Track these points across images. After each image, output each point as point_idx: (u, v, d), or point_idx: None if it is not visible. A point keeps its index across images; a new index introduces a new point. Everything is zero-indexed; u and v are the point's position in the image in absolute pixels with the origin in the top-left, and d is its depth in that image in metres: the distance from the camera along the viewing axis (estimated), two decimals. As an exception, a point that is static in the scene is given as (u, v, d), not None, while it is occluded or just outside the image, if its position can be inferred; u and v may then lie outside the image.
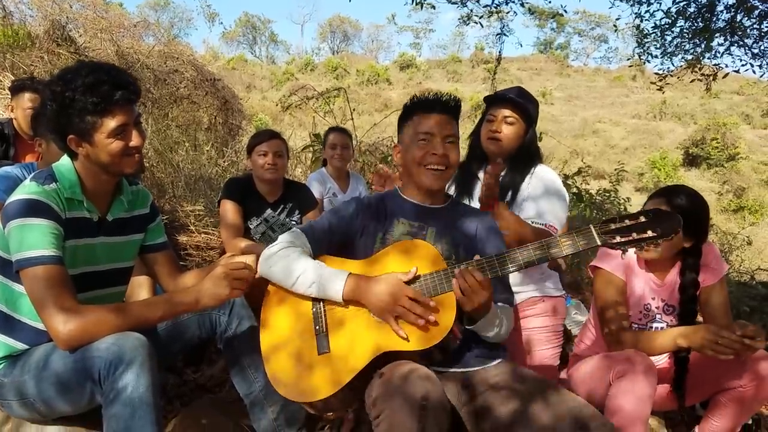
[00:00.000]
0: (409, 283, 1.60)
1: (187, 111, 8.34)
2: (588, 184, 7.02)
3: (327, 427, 2.02)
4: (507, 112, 2.32)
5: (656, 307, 2.17)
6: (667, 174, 22.27)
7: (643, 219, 1.56)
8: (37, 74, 6.44)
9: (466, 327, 1.65)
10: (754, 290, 5.63)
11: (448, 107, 1.80)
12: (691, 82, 6.46)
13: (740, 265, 7.52)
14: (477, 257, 1.62)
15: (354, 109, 6.32)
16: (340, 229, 1.81)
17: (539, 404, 1.52)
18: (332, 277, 1.63)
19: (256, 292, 1.73)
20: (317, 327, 1.66)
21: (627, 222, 1.56)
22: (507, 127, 2.32)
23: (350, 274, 1.63)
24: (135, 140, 1.63)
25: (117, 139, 1.59)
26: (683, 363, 2.08)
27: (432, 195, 1.84)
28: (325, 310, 1.67)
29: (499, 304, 1.74)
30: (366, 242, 1.81)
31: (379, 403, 1.42)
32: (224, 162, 7.37)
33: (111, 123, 1.56)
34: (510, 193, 2.31)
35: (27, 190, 1.57)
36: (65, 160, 1.68)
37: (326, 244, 1.78)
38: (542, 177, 2.34)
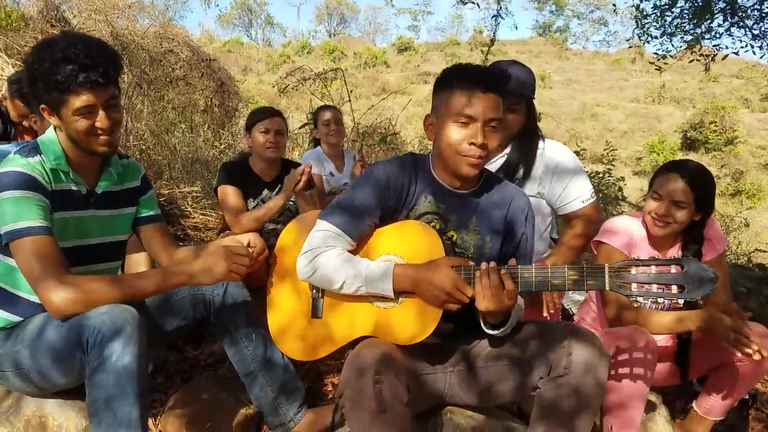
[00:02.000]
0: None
1: (182, 93, 8.28)
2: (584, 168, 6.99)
3: (328, 404, 2.02)
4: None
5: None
6: (666, 158, 22.22)
7: (673, 270, 1.34)
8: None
9: (485, 329, 1.60)
10: (751, 272, 5.66)
11: (498, 85, 1.57)
12: (690, 62, 6.41)
13: (737, 248, 7.55)
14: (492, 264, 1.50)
15: (351, 91, 6.26)
16: (369, 214, 1.66)
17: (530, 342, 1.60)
18: (378, 276, 1.57)
19: (257, 271, 1.71)
20: (314, 291, 1.72)
21: (653, 269, 1.36)
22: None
23: (395, 266, 1.57)
24: (101, 122, 1.58)
25: (82, 118, 1.56)
26: (686, 339, 2.09)
27: (464, 179, 1.67)
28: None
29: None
30: (390, 211, 1.70)
31: (340, 385, 1.47)
32: (221, 144, 7.34)
33: (75, 102, 1.53)
34: (522, 171, 2.30)
35: (11, 163, 1.57)
36: (50, 132, 1.67)
37: (359, 232, 1.66)
38: (559, 155, 2.35)
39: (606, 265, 1.39)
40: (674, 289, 1.33)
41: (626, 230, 2.18)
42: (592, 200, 2.33)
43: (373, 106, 6.99)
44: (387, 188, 1.66)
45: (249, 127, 2.86)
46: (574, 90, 34.76)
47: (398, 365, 1.47)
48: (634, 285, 1.36)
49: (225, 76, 9.16)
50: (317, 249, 1.64)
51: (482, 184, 1.73)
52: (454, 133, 1.56)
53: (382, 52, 39.84)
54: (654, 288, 1.34)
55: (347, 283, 1.59)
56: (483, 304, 1.47)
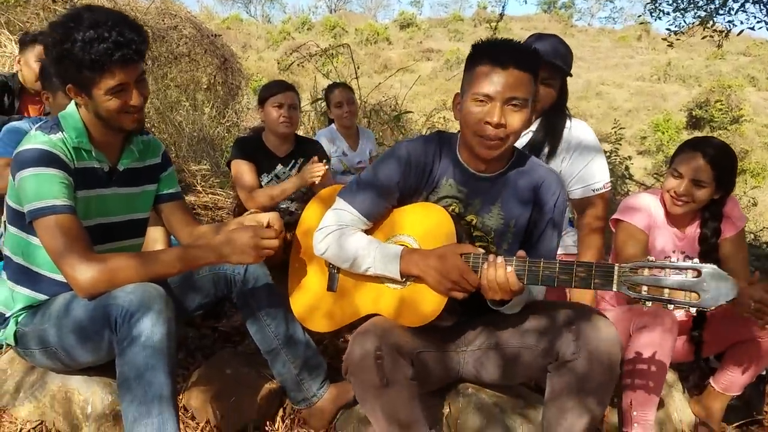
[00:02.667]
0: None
1: (185, 71, 8.20)
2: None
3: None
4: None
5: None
6: (670, 137, 22.05)
7: (690, 276, 1.25)
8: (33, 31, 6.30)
9: (490, 305, 1.59)
10: (759, 250, 5.67)
11: (522, 61, 1.48)
12: (702, 38, 6.31)
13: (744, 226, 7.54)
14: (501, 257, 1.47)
15: (359, 67, 6.20)
16: (387, 194, 1.66)
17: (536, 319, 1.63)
18: (386, 258, 1.58)
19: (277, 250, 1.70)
20: (330, 265, 1.76)
21: (666, 274, 1.27)
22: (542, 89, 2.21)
23: (403, 250, 1.58)
24: (134, 100, 1.57)
25: (115, 97, 1.54)
26: (701, 314, 2.10)
27: (487, 162, 1.61)
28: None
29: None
30: (410, 192, 1.69)
31: (344, 361, 1.54)
32: (226, 122, 7.29)
33: (109, 82, 1.51)
34: (547, 149, 2.28)
35: (34, 140, 1.55)
36: (71, 109, 1.64)
37: (376, 212, 1.68)
38: (583, 133, 2.32)
39: (616, 265, 1.34)
40: (688, 296, 1.25)
41: (646, 208, 2.17)
42: (608, 189, 2.32)
43: (380, 84, 6.93)
44: (409, 167, 1.65)
45: (261, 102, 2.83)
46: (579, 68, 34.30)
47: (400, 342, 1.52)
48: (644, 288, 1.29)
49: (228, 53, 9.06)
50: (332, 227, 1.67)
51: (510, 165, 1.67)
52: (472, 111, 1.51)
53: (384, 28, 39.26)
54: (666, 293, 1.27)
55: (357, 263, 1.62)
56: (488, 294, 1.48)
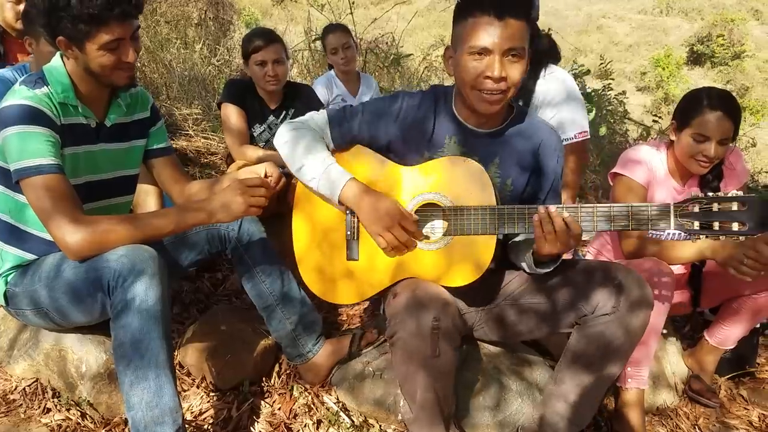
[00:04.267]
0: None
1: (175, 5, 7.87)
2: (585, 84, 6.72)
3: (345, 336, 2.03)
4: None
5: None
6: (671, 73, 21.62)
7: (735, 207, 1.33)
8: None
9: (531, 269, 1.55)
10: (755, 192, 5.64)
11: (517, 8, 1.41)
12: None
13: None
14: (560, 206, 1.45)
15: (353, 2, 5.91)
16: (373, 131, 1.62)
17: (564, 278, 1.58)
18: (333, 178, 1.54)
19: (270, 202, 1.65)
20: (349, 233, 1.64)
21: (715, 207, 1.35)
22: None
23: (352, 179, 1.53)
24: (129, 56, 1.50)
25: (109, 53, 1.47)
26: (698, 270, 2.08)
27: (486, 117, 1.56)
28: (359, 218, 1.61)
29: None
30: (409, 151, 1.62)
31: (393, 324, 1.44)
32: (217, 61, 7.05)
33: (104, 36, 1.43)
34: (521, 102, 2.17)
35: (19, 95, 1.48)
36: (56, 62, 1.56)
37: (349, 140, 1.64)
38: (558, 81, 2.20)
39: (671, 204, 1.38)
40: (736, 226, 1.33)
41: (645, 161, 2.10)
42: (580, 139, 2.21)
43: (375, 19, 6.63)
44: (405, 122, 1.59)
45: (245, 56, 2.68)
46: (580, 0, 33.22)
47: (454, 311, 1.46)
48: (696, 223, 1.36)
49: (218, -15, 8.66)
50: (298, 122, 1.64)
51: (509, 122, 1.60)
52: (470, 67, 1.44)
53: (379, -43, 37.56)
54: (716, 226, 1.35)
55: (304, 171, 1.58)
56: (546, 248, 1.43)
